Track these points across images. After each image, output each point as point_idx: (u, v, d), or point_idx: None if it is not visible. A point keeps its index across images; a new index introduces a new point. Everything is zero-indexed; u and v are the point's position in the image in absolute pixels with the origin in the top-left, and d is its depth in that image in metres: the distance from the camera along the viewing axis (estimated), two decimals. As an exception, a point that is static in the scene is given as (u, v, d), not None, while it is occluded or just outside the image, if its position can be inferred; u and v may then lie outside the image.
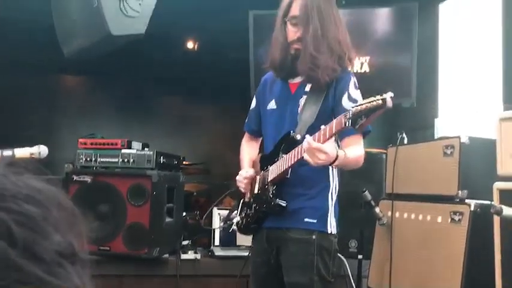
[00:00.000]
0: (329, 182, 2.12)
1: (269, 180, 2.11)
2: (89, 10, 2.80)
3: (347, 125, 1.72)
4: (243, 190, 2.24)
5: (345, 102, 2.02)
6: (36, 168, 0.54)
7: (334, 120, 1.80)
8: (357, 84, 2.09)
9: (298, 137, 1.98)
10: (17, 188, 0.47)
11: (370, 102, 1.65)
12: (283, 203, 2.05)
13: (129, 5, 2.79)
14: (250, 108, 2.39)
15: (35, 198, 0.47)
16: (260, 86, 2.34)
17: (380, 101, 1.63)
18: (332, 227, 2.11)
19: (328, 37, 2.06)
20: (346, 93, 2.04)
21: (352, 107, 1.72)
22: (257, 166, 2.27)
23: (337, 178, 2.16)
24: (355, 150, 2.01)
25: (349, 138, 2.02)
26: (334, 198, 2.14)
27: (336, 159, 1.85)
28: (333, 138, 1.85)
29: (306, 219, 2.06)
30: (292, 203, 2.08)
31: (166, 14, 4.31)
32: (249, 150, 2.39)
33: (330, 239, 2.10)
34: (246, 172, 2.23)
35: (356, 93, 2.04)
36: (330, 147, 1.82)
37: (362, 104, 1.67)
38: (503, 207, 1.62)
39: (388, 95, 1.64)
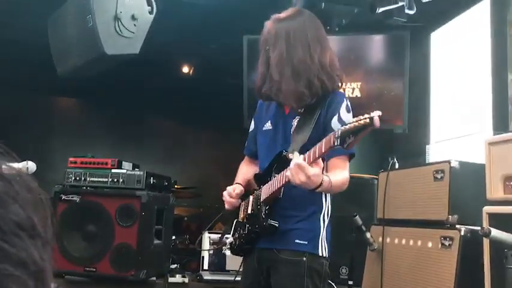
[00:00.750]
0: (321, 204, 2.10)
1: (261, 200, 2.09)
2: (84, 29, 2.82)
3: (336, 143, 1.71)
4: (226, 206, 2.22)
5: (334, 124, 2.01)
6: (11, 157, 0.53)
7: (324, 139, 1.79)
8: (349, 107, 2.07)
9: (291, 156, 1.97)
10: None
11: (357, 121, 1.66)
12: (275, 224, 2.03)
13: (124, 26, 2.82)
14: (249, 130, 2.39)
15: None
16: (258, 108, 2.36)
17: (367, 120, 1.63)
18: (323, 249, 2.08)
19: (293, 61, 2.03)
20: (337, 116, 2.04)
21: (342, 127, 1.72)
22: (252, 185, 2.25)
23: (329, 201, 2.15)
24: (340, 174, 2.00)
25: (336, 159, 2.01)
26: (326, 220, 2.11)
27: (320, 185, 1.84)
28: (321, 164, 1.84)
29: (297, 241, 2.03)
30: (284, 224, 2.05)
31: (162, 39, 4.36)
32: (244, 170, 2.37)
33: (321, 261, 2.07)
34: (232, 188, 2.20)
35: (347, 116, 2.02)
36: (316, 171, 1.82)
37: (350, 123, 1.67)
38: (492, 229, 1.61)
39: (376, 114, 1.63)
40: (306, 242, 2.03)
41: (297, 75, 2.03)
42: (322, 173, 1.93)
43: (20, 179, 0.50)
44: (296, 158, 1.81)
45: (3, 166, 0.49)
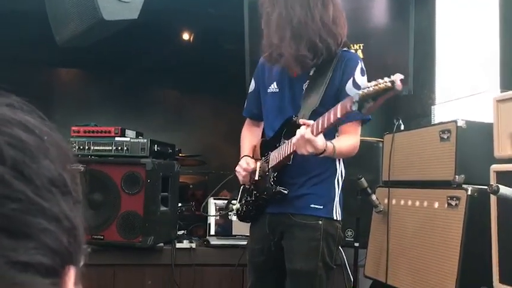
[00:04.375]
0: (335, 168, 2.08)
1: (270, 166, 2.06)
2: (81, -5, 2.76)
3: (353, 109, 1.65)
4: (241, 181, 2.19)
5: (349, 88, 1.94)
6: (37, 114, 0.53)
7: (339, 104, 1.72)
8: (364, 70, 2.00)
9: (301, 121, 1.93)
10: (13, 116, 0.48)
11: (377, 84, 1.58)
12: (284, 190, 2.01)
13: (122, -10, 2.75)
14: (249, 91, 2.32)
15: (29, 128, 0.47)
16: (259, 68, 2.26)
17: (389, 84, 1.55)
18: (337, 213, 2.08)
19: (292, 22, 1.94)
20: (351, 79, 1.96)
21: (360, 91, 1.64)
22: (258, 152, 2.22)
23: (342, 164, 2.12)
24: (348, 140, 1.96)
25: (348, 125, 1.97)
26: (340, 184, 2.11)
27: (324, 151, 1.82)
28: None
29: (312, 205, 2.02)
30: (297, 190, 2.03)
31: (161, 5, 4.28)
32: (250, 137, 2.30)
33: (336, 225, 2.08)
34: (246, 163, 2.15)
35: (362, 80, 1.95)
36: (320, 140, 1.79)
37: (369, 87, 1.60)
38: (500, 186, 1.60)
39: (397, 77, 1.56)
40: (322, 207, 2.02)
41: (297, 38, 1.94)
42: (330, 138, 1.91)
43: (49, 136, 0.49)
44: (302, 129, 1.78)
45: (33, 121, 0.49)
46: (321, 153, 1.82)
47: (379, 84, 1.57)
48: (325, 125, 1.74)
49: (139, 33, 4.59)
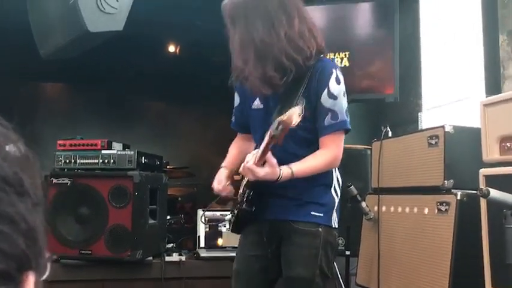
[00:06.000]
0: (330, 177, 2.06)
1: (244, 184, 2.00)
2: (65, 7, 2.73)
3: (275, 141, 1.65)
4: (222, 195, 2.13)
5: (325, 99, 1.87)
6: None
7: (266, 134, 1.70)
8: (339, 78, 1.91)
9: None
10: None
11: (284, 118, 1.59)
12: (249, 209, 1.97)
13: (107, 2, 2.74)
14: (235, 105, 2.27)
15: None
16: (238, 83, 2.22)
17: (285, 118, 1.57)
18: (335, 221, 2.06)
19: (255, 41, 1.81)
20: (326, 90, 1.89)
21: (278, 121, 1.62)
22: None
23: (337, 172, 2.10)
24: (319, 156, 1.89)
25: (325, 137, 1.93)
26: (338, 192, 2.08)
27: (280, 178, 1.80)
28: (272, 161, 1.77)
29: (313, 213, 1.99)
30: (296, 197, 2.00)
31: (148, 17, 4.27)
32: (233, 152, 2.22)
33: (334, 233, 2.05)
34: (217, 182, 2.05)
35: (337, 89, 1.88)
36: (264, 171, 1.76)
37: (282, 120, 1.59)
38: (490, 189, 1.59)
39: (297, 110, 1.57)
40: (322, 214, 2.00)
41: (262, 58, 1.82)
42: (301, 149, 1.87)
43: (5, 135, 0.47)
44: (247, 157, 1.77)
45: None
46: (276, 180, 1.80)
47: (284, 118, 1.58)
48: (261, 154, 1.73)
49: (126, 45, 4.58)
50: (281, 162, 1.84)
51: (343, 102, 1.90)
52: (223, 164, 2.14)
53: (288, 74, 1.87)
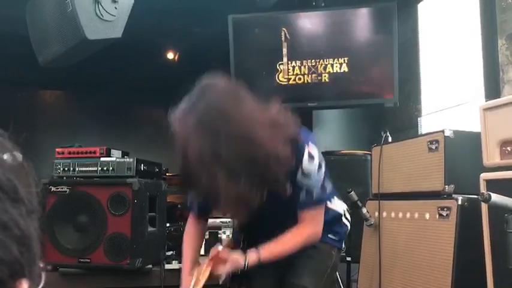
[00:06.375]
0: (339, 207, 2.10)
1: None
2: (64, 15, 2.73)
3: None
4: None
5: (299, 176, 1.82)
6: None
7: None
8: (312, 153, 1.80)
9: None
10: None
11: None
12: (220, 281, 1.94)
13: (105, 9, 2.73)
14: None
15: None
16: None
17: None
18: (343, 245, 2.15)
19: (221, 163, 1.52)
20: (300, 168, 1.81)
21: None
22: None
23: (340, 202, 2.13)
24: (294, 235, 1.85)
25: (303, 212, 1.90)
26: (349, 218, 2.14)
27: (246, 265, 1.76)
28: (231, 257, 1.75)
29: (330, 236, 2.03)
30: None
31: (147, 24, 4.27)
32: (191, 242, 2.03)
33: (341, 255, 2.14)
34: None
35: (310, 167, 1.79)
36: (223, 269, 1.73)
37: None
38: (492, 194, 1.58)
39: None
40: (337, 239, 2.06)
41: (237, 177, 1.55)
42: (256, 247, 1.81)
43: (1, 144, 0.47)
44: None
45: None
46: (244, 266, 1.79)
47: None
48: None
49: (124, 53, 4.57)
50: (274, 222, 1.84)
51: (317, 178, 1.84)
52: (186, 273, 1.99)
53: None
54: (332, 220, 2.04)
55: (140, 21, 3.19)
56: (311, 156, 1.81)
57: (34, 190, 0.48)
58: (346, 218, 2.12)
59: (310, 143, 1.82)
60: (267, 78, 3.81)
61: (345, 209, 2.13)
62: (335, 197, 2.08)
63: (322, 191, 1.87)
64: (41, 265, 0.46)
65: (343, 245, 2.14)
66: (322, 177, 1.86)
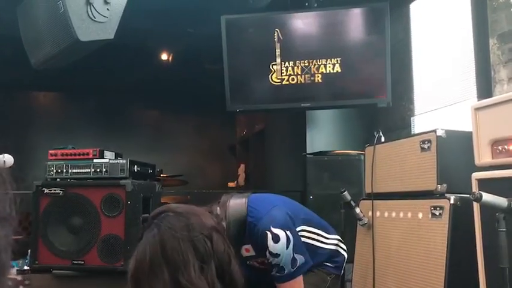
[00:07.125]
0: (332, 240, 2.15)
1: None
2: (55, 16, 2.72)
3: None
4: None
5: (269, 256, 1.90)
6: None
7: None
8: (276, 234, 1.87)
9: None
10: None
11: None
12: None
13: (97, 10, 2.73)
14: None
15: None
16: None
17: None
18: (342, 270, 2.20)
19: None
20: (268, 252, 1.89)
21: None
22: None
23: (332, 233, 2.15)
24: None
25: (280, 286, 1.93)
26: (344, 247, 2.19)
27: None
28: None
29: (326, 263, 2.11)
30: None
31: (141, 25, 4.26)
32: None
33: (337, 283, 2.17)
34: None
35: (276, 247, 1.87)
36: None
37: None
38: (483, 193, 1.59)
39: None
40: (334, 266, 2.13)
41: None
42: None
43: None
44: None
45: None
46: None
47: None
48: None
49: (118, 54, 4.57)
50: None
51: (287, 255, 1.88)
52: None
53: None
54: (328, 257, 2.13)
55: (134, 23, 3.19)
56: (276, 238, 1.86)
57: (10, 198, 0.46)
58: (342, 248, 2.18)
59: (271, 228, 1.87)
60: (260, 79, 3.81)
61: (338, 241, 2.17)
62: (325, 234, 2.13)
63: (293, 266, 1.90)
64: (19, 278, 0.45)
65: (342, 271, 2.18)
66: (292, 254, 1.89)
